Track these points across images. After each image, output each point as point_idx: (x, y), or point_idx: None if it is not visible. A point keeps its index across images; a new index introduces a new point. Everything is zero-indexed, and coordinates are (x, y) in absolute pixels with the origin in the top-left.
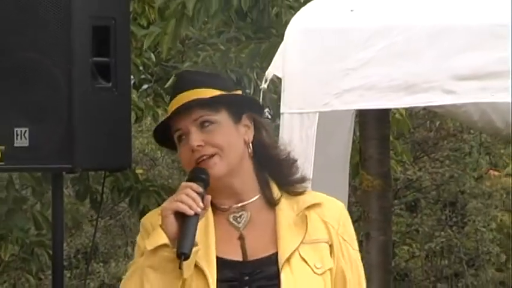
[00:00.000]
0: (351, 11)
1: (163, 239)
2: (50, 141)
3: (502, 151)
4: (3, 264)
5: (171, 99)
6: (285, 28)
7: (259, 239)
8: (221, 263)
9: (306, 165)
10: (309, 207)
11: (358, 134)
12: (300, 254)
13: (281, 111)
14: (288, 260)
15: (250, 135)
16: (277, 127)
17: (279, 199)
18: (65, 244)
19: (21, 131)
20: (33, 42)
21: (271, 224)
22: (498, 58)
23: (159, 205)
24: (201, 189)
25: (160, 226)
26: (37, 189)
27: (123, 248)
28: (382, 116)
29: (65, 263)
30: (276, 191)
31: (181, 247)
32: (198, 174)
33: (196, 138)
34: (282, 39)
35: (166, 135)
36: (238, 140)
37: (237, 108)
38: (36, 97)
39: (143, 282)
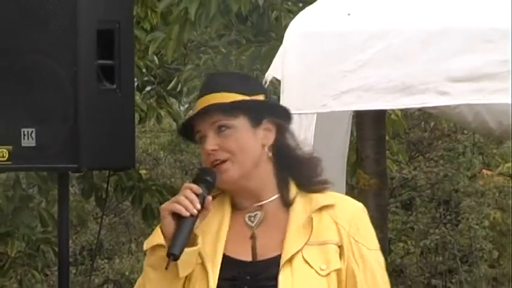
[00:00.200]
0: (348, 14)
1: (160, 238)
2: (56, 142)
3: (495, 151)
4: (10, 261)
5: (197, 99)
6: (284, 31)
7: (270, 239)
8: (229, 261)
9: None
10: (321, 208)
11: (355, 134)
12: (303, 256)
13: None
14: (289, 261)
15: (270, 139)
16: None
17: (294, 199)
18: (70, 241)
19: (28, 131)
20: (41, 45)
21: (283, 224)
22: (491, 61)
23: (161, 204)
24: (200, 191)
25: (159, 226)
26: (43, 187)
27: (127, 244)
28: (379, 117)
29: (71, 260)
30: (293, 192)
31: (171, 248)
32: (203, 176)
33: (211, 142)
34: (281, 42)
35: (190, 132)
36: (254, 145)
37: (257, 113)
38: (43, 98)
39: (145, 282)
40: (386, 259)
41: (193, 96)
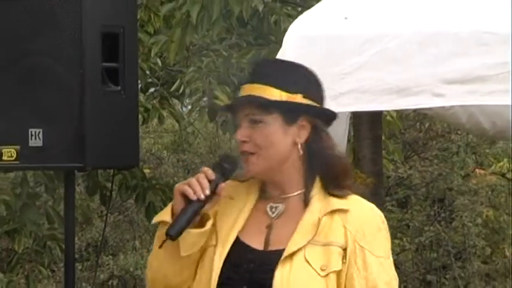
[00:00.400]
0: (345, 19)
1: (167, 215)
2: (63, 142)
3: (487, 151)
4: (17, 257)
5: (244, 83)
6: (284, 35)
7: (283, 232)
8: (240, 246)
9: None
10: (333, 211)
11: (352, 134)
12: (304, 254)
13: None
14: (290, 257)
15: (303, 137)
16: None
17: (313, 198)
18: (76, 238)
19: (35, 131)
20: (48, 48)
21: (298, 220)
22: (484, 63)
23: (163, 202)
24: (213, 177)
25: (172, 204)
26: (50, 186)
27: (131, 241)
28: (375, 117)
29: (76, 256)
30: (315, 190)
31: (169, 228)
32: (221, 163)
33: (243, 133)
34: (280, 45)
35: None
36: (284, 142)
37: (293, 112)
38: (50, 100)
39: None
40: None
41: (196, 97)
